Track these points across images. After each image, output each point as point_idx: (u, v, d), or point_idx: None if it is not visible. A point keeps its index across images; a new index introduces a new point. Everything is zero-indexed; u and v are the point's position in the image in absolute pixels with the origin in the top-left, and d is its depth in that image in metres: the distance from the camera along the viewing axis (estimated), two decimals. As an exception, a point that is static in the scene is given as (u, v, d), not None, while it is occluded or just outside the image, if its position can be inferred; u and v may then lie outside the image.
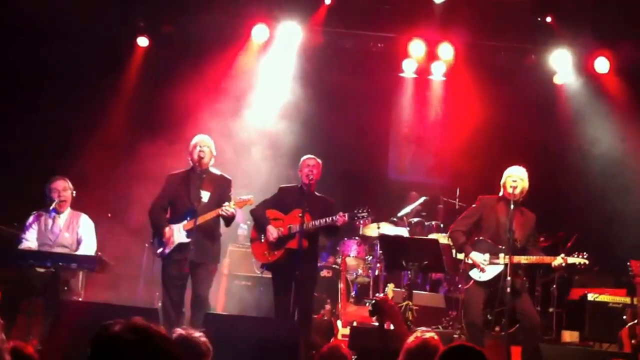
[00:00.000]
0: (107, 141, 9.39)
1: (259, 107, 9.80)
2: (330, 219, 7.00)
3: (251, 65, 10.01)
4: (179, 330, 3.90)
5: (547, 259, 6.70)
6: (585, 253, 6.59)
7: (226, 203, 6.90)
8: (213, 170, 7.17)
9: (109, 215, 8.80)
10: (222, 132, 8.64)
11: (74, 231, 7.24)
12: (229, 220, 7.08)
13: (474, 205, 7.09)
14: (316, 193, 7.39)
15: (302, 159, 7.43)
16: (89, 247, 7.21)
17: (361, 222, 7.22)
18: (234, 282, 8.85)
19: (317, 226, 7.08)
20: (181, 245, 6.90)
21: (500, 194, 6.91)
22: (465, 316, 7.14)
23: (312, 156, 7.42)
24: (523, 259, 6.61)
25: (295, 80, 10.00)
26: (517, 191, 6.69)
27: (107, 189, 9.13)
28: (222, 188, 7.11)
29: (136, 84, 9.84)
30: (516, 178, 6.73)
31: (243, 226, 8.89)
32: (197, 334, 3.88)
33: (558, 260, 6.61)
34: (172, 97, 9.34)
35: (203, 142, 7.10)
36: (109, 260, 7.01)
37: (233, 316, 7.37)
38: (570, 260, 6.60)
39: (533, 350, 6.34)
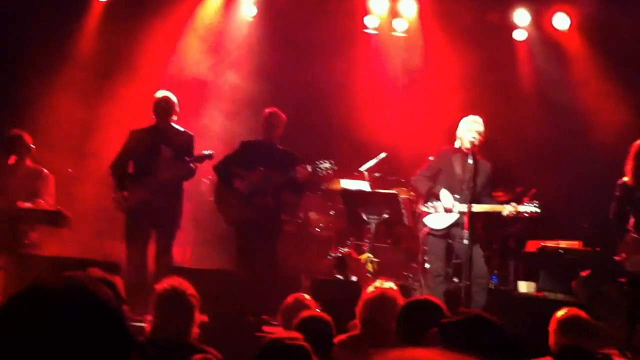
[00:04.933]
0: (68, 94, 9.23)
1: (219, 60, 9.71)
2: (291, 174, 7.04)
3: (210, 17, 9.87)
4: (169, 282, 3.93)
5: (498, 207, 6.86)
6: (536, 201, 6.76)
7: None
8: (175, 126, 7.16)
9: (70, 170, 8.71)
10: (183, 86, 8.59)
11: (33, 185, 7.18)
12: (189, 175, 7.10)
13: (431, 158, 7.17)
14: (279, 147, 7.42)
15: (265, 112, 7.44)
16: (47, 201, 7.17)
17: (324, 172, 7.10)
18: (198, 236, 8.87)
19: (281, 183, 7.12)
20: (144, 202, 6.91)
21: (457, 144, 6.99)
22: (428, 267, 7.27)
23: (276, 110, 7.42)
24: (476, 208, 6.74)
25: (256, 33, 9.92)
26: (476, 143, 6.79)
27: (68, 144, 8.99)
28: (184, 144, 7.11)
29: (96, 36, 9.64)
30: (475, 135, 6.81)
31: (204, 180, 8.89)
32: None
33: (508, 208, 6.77)
34: (134, 50, 9.22)
35: (165, 98, 7.07)
36: (70, 214, 6.97)
37: (198, 270, 7.41)
38: (521, 208, 6.76)
39: (481, 303, 6.54)
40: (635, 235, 6.41)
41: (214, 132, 9.03)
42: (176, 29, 9.57)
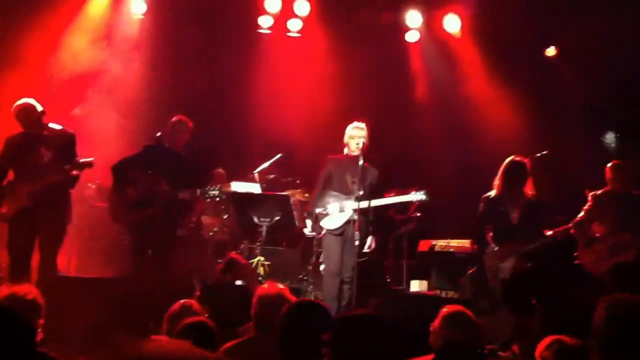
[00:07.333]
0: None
1: (108, 56, 9.43)
2: (179, 195, 6.93)
3: (99, 12, 9.58)
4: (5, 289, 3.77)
5: (389, 200, 7.12)
6: (421, 190, 7.00)
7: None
8: (53, 126, 6.87)
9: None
10: (69, 82, 8.30)
11: None
12: (73, 182, 6.85)
13: (323, 169, 7.32)
14: (182, 154, 7.31)
15: (172, 120, 7.33)
16: None
17: (210, 198, 7.11)
18: (83, 244, 8.58)
19: (174, 193, 6.99)
20: (26, 209, 6.61)
21: (345, 151, 7.23)
22: (322, 267, 7.33)
23: (182, 117, 7.33)
24: (368, 203, 6.91)
25: (147, 29, 9.71)
26: (361, 147, 7.01)
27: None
28: (65, 144, 6.82)
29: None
30: (359, 141, 7.05)
31: (91, 185, 8.60)
32: (26, 291, 3.77)
33: (397, 199, 7.07)
34: (18, 44, 8.80)
35: (22, 107, 6.73)
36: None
37: (85, 278, 7.17)
38: (407, 197, 7.07)
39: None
40: (495, 246, 6.64)
41: (103, 128, 8.74)
42: (63, 22, 9.24)
